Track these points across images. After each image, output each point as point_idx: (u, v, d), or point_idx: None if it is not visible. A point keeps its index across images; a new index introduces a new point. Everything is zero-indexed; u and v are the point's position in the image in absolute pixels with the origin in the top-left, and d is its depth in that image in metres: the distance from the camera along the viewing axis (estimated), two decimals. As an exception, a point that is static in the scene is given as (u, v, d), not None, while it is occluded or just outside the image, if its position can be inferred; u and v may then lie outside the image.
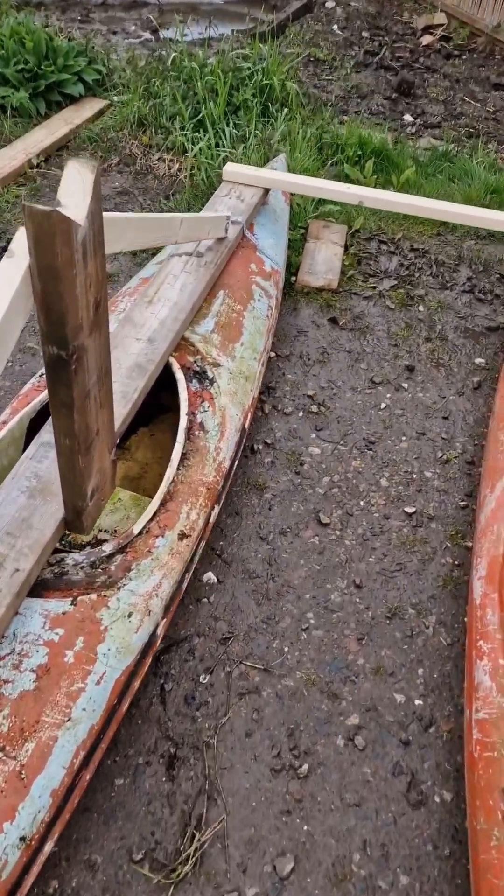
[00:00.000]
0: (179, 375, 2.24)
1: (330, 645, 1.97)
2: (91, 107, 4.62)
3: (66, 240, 1.23)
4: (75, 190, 1.30)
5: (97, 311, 1.44)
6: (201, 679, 1.86)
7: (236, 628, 1.99)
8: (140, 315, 2.33)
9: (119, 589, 1.70)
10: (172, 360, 2.28)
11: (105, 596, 1.67)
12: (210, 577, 2.11)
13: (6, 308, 1.25)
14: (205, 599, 2.05)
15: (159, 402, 2.51)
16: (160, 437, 2.52)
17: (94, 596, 1.66)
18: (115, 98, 4.64)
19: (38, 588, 1.66)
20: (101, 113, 4.60)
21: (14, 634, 1.57)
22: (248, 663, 1.91)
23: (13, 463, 2.03)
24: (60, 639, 1.57)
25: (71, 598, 1.65)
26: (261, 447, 2.53)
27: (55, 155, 4.20)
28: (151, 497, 2.29)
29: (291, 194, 3.44)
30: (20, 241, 1.27)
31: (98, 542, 2.12)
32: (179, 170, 4.04)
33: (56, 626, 1.59)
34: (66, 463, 1.59)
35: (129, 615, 1.67)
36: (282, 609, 2.04)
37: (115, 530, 2.17)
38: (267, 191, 3.14)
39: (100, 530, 2.15)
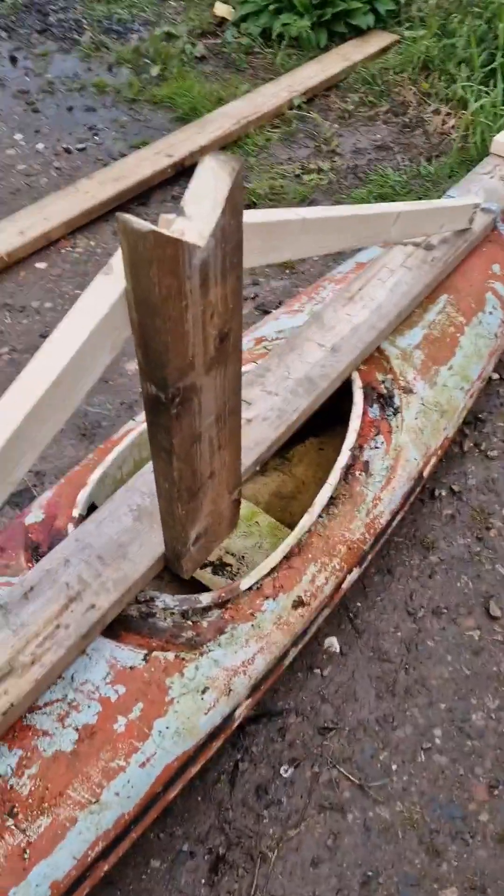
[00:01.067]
0: (358, 397, 1.88)
1: (451, 781, 1.57)
2: (376, 42, 4.14)
3: (172, 268, 0.92)
4: (205, 195, 0.98)
5: (223, 344, 1.13)
6: (282, 771, 1.58)
7: (343, 720, 1.66)
8: (332, 315, 1.98)
9: (201, 655, 1.45)
10: (355, 376, 1.92)
11: (183, 659, 1.43)
12: (332, 643, 1.78)
13: (86, 338, 0.99)
14: (317, 670, 1.74)
15: (339, 410, 2.17)
16: (329, 454, 2.18)
17: (170, 655, 1.43)
18: (406, 33, 4.10)
19: (116, 626, 1.46)
20: (385, 50, 4.11)
21: (72, 678, 1.39)
22: (342, 769, 1.58)
23: (140, 468, 1.83)
24: (118, 699, 1.37)
25: (146, 651, 1.43)
26: (443, 493, 2.09)
27: (321, 95, 3.83)
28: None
29: None
30: (119, 257, 0.99)
31: (222, 565, 1.89)
32: (453, 127, 3.47)
33: (118, 682, 1.39)
34: (165, 507, 1.34)
35: (203, 691, 1.42)
36: (405, 712, 1.67)
37: (243, 556, 1.92)
38: (542, 172, 2.53)
39: (226, 552, 1.91)
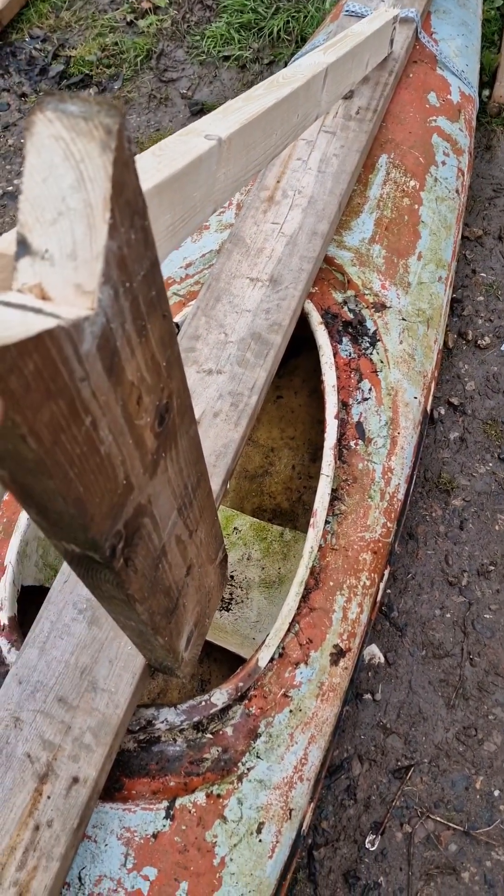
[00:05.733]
0: (322, 336, 1.39)
1: None
2: None
3: (51, 384, 0.42)
4: (63, 203, 0.46)
5: (164, 424, 0.65)
6: (368, 843, 1.26)
7: (417, 749, 1.33)
8: (255, 229, 1.44)
9: (240, 779, 1.06)
10: (310, 307, 1.42)
11: (218, 796, 1.04)
12: (374, 652, 1.42)
13: None
14: (367, 695, 1.38)
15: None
16: (290, 402, 1.72)
17: (200, 796, 1.04)
18: None
19: (112, 773, 1.05)
20: None
21: (80, 879, 0.99)
22: (437, 817, 1.27)
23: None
24: (153, 888, 0.98)
25: (166, 802, 1.03)
26: (443, 412, 1.68)
27: None
28: (283, 515, 1.56)
29: None
30: None
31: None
32: None
33: (145, 863, 0.99)
34: (139, 642, 0.89)
35: (259, 829, 1.04)
36: (487, 716, 1.35)
37: (232, 576, 1.50)
38: None
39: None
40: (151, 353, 0.58)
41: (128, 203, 0.46)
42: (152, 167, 0.66)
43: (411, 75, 1.75)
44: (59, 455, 0.45)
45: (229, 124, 0.79)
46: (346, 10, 1.77)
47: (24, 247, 0.46)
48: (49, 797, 0.96)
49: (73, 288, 0.45)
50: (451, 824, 1.26)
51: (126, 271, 0.48)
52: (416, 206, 1.59)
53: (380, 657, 1.41)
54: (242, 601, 1.47)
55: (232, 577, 1.49)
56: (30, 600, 1.26)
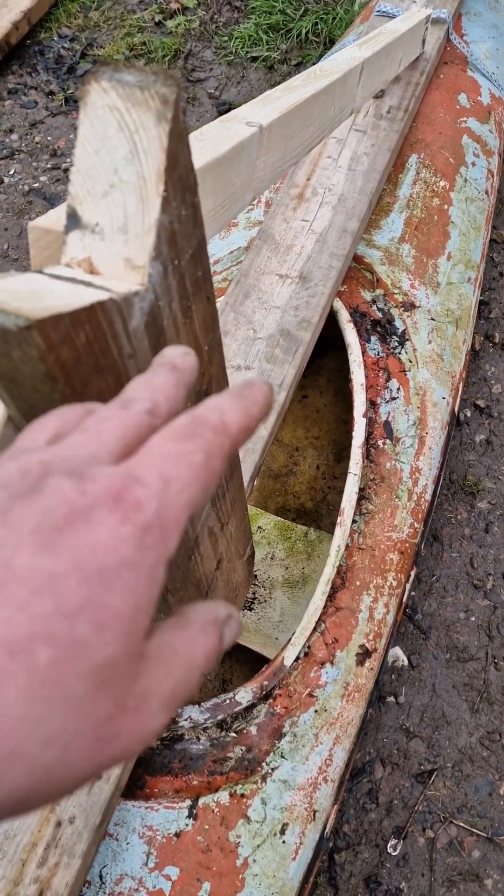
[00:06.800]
0: (351, 335, 1.38)
1: None
2: None
3: (99, 358, 0.42)
4: (115, 175, 0.45)
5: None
6: (389, 848, 1.24)
7: (441, 753, 1.31)
8: (284, 226, 1.43)
9: (264, 779, 1.04)
10: (338, 305, 1.41)
11: (242, 795, 1.03)
12: (398, 655, 1.40)
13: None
14: (390, 698, 1.36)
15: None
16: (315, 402, 1.71)
17: (224, 796, 1.02)
18: None
19: (135, 770, 1.04)
20: None
21: (101, 878, 0.98)
22: (460, 823, 1.25)
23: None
24: (175, 888, 0.97)
25: (189, 801, 1.02)
26: (469, 414, 1.66)
27: None
28: (307, 515, 1.55)
29: None
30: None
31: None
32: None
33: (167, 863, 0.98)
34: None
35: (282, 830, 1.03)
36: (511, 722, 1.33)
37: (255, 576, 1.48)
38: None
39: (233, 575, 1.46)
40: (195, 335, 0.57)
41: (180, 178, 0.46)
42: (196, 150, 0.65)
43: (442, 76, 1.74)
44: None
45: (269, 112, 0.79)
46: (378, 11, 1.76)
47: (74, 220, 0.45)
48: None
49: (122, 262, 0.45)
50: (474, 830, 1.24)
51: (175, 248, 0.47)
52: (446, 207, 1.57)
53: (403, 660, 1.39)
54: (265, 601, 1.46)
55: (255, 576, 1.48)
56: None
